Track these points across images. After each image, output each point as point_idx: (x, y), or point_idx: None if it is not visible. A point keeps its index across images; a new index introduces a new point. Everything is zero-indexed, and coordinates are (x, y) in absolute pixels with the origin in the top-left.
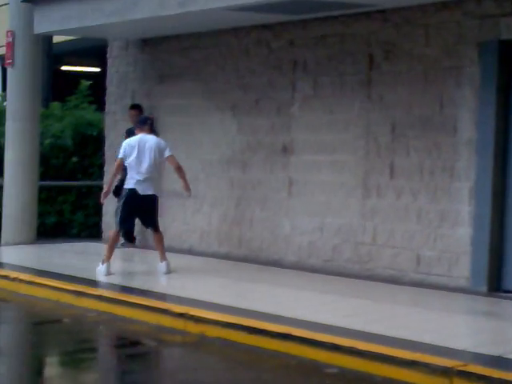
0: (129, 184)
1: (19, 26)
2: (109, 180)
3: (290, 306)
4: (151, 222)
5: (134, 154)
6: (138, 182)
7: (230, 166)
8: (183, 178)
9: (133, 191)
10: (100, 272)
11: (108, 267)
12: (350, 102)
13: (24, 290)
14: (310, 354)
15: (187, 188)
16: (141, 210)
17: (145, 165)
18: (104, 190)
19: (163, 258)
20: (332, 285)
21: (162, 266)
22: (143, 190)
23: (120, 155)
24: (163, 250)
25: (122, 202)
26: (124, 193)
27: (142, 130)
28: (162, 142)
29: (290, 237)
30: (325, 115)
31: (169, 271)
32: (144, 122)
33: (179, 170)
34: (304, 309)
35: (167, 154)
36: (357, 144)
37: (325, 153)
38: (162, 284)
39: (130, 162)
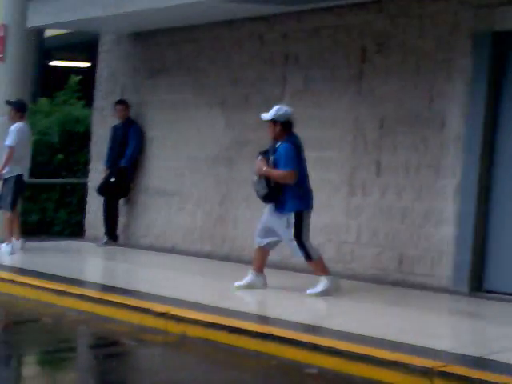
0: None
1: (12, 19)
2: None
3: (271, 305)
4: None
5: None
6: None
7: (216, 163)
8: None
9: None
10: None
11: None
12: (341, 96)
13: (4, 288)
14: (291, 354)
15: None
16: None
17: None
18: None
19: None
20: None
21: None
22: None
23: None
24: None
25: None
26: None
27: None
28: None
29: None
30: (314, 110)
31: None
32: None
33: None
34: (286, 308)
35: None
36: (344, 140)
37: (312, 149)
38: (145, 283)
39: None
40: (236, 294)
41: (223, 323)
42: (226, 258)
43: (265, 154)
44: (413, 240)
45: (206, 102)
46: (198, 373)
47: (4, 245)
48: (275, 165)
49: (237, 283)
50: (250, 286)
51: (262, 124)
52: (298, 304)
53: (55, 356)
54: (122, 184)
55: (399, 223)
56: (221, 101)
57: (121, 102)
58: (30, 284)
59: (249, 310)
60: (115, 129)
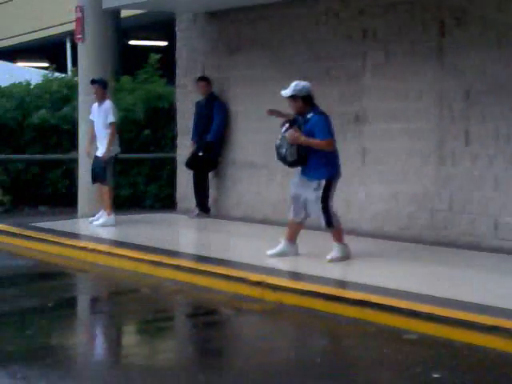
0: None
1: (88, 1)
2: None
3: (366, 272)
4: None
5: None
6: None
7: None
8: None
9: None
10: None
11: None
12: (422, 69)
13: (102, 260)
14: (388, 321)
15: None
16: None
17: None
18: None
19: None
20: (407, 252)
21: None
22: None
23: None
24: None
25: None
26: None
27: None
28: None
29: (365, 205)
30: (397, 83)
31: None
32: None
33: None
34: (380, 276)
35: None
36: (430, 111)
37: (398, 121)
38: (239, 253)
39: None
40: (328, 264)
41: (319, 291)
42: (317, 228)
43: (292, 123)
44: (507, 206)
45: (286, 77)
46: (296, 340)
47: (101, 215)
48: (309, 135)
49: (269, 252)
50: (282, 254)
51: (344, 97)
52: (391, 271)
53: (155, 325)
54: (210, 158)
55: (492, 190)
56: (302, 75)
57: (203, 79)
58: (126, 256)
59: (343, 277)
60: (199, 105)
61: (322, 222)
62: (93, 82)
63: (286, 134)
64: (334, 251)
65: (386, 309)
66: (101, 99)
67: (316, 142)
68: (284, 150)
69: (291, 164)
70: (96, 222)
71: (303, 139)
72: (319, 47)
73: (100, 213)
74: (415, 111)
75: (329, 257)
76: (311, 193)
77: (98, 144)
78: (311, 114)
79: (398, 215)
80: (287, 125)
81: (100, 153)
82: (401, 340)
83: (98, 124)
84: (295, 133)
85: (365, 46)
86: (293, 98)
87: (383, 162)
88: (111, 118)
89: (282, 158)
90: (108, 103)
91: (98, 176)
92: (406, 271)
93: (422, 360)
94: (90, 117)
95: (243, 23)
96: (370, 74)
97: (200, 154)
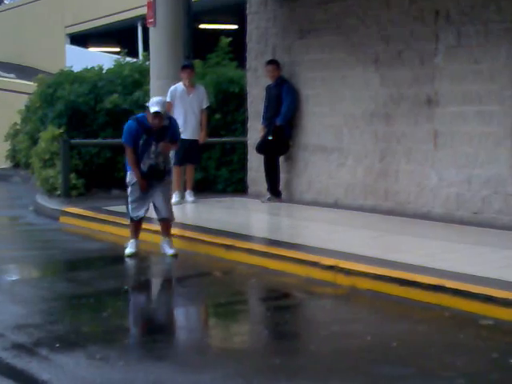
0: None
1: None
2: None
3: (440, 257)
4: None
5: None
6: None
7: (373, 119)
8: None
9: None
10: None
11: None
12: (496, 50)
13: (174, 243)
14: (464, 306)
15: None
16: None
17: None
18: None
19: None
20: (482, 236)
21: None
22: None
23: None
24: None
25: None
26: None
27: None
28: None
29: (438, 189)
30: (470, 65)
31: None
32: None
33: None
34: (455, 260)
35: None
36: (504, 94)
37: (471, 103)
38: (311, 237)
39: None
40: (404, 246)
41: (393, 275)
42: (389, 212)
43: (156, 140)
44: None
45: (358, 60)
46: (370, 325)
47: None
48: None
49: (170, 251)
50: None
51: (417, 80)
52: (465, 256)
53: (228, 308)
54: (280, 142)
55: None
56: (374, 58)
57: (271, 62)
58: (198, 239)
59: (417, 261)
60: (269, 88)
61: (164, 214)
62: (186, 66)
63: (160, 148)
64: (170, 245)
65: (461, 294)
66: (193, 84)
67: (177, 144)
68: (162, 164)
69: (167, 173)
70: (191, 199)
71: (174, 146)
72: (391, 29)
73: (189, 192)
74: (488, 93)
75: (171, 251)
76: (163, 187)
77: (187, 127)
78: (167, 121)
79: (472, 199)
80: (154, 142)
81: (196, 136)
82: (476, 325)
83: (190, 108)
84: (167, 144)
85: (437, 28)
86: (160, 114)
87: (455, 145)
88: (207, 103)
89: (161, 172)
90: (202, 88)
91: (190, 158)
92: (481, 256)
93: (498, 346)
94: (169, 99)
95: (314, 6)
96: (443, 55)
97: (270, 138)
